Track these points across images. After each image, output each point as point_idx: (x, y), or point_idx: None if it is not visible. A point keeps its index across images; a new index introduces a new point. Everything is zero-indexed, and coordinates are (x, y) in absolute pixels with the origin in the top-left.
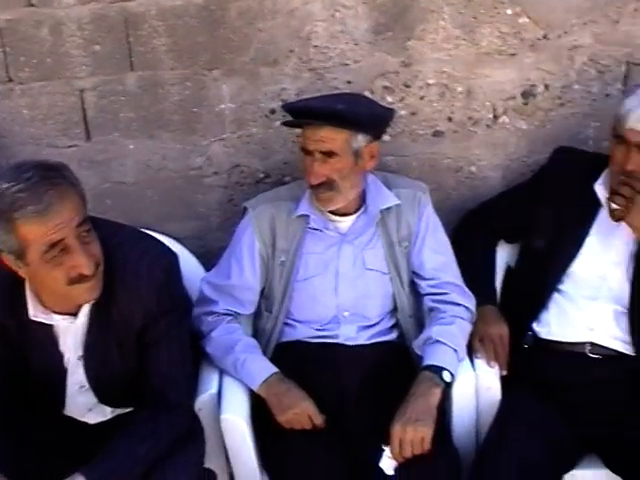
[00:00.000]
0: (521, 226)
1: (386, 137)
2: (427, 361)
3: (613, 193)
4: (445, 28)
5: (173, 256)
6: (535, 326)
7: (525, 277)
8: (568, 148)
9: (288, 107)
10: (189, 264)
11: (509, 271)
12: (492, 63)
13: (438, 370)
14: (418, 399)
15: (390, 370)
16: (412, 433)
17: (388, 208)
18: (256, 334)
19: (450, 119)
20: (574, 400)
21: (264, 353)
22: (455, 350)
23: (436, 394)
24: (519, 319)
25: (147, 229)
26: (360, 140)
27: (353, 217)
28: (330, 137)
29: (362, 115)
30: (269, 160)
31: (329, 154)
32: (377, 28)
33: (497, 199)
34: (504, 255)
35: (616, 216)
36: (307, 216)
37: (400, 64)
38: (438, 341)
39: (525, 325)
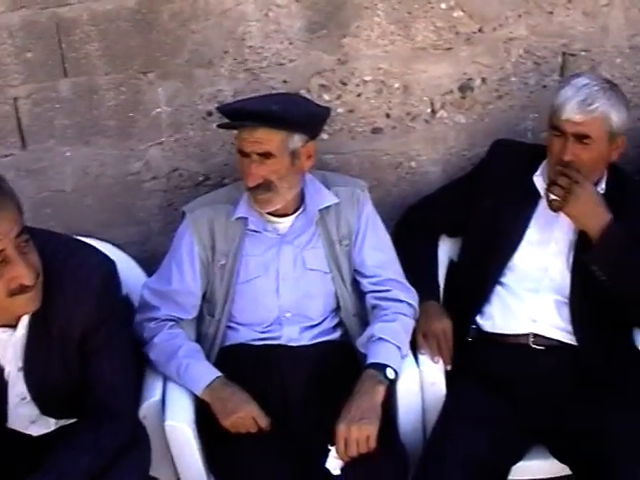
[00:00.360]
0: (462, 220)
1: (325, 135)
2: (370, 359)
3: (551, 184)
4: (380, 24)
5: (111, 263)
6: (479, 319)
7: (467, 271)
8: (506, 140)
9: (223, 109)
10: (131, 270)
11: (452, 265)
12: (428, 58)
13: (382, 368)
14: (362, 397)
15: (335, 369)
16: (357, 432)
17: (327, 207)
18: (199, 338)
19: (388, 115)
20: (519, 392)
21: (208, 357)
22: (398, 347)
23: (380, 392)
24: (463, 313)
25: (88, 236)
26: (297, 140)
27: (292, 218)
28: (266, 138)
29: (298, 115)
30: (208, 162)
31: (266, 155)
32: (311, 26)
33: (437, 194)
34: (446, 249)
35: (554, 207)
36: (246, 218)
37: (336, 62)
38: (381, 339)
39: (469, 319)
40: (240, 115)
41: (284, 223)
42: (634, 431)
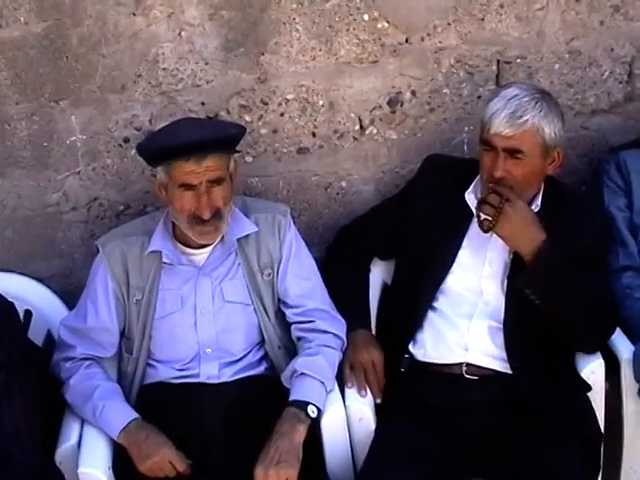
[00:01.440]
0: (394, 241)
1: (248, 158)
2: (292, 396)
3: (482, 202)
4: (300, 39)
5: (8, 305)
6: (411, 348)
7: (400, 296)
8: (438, 156)
9: (165, 148)
10: (53, 306)
11: (386, 290)
12: (353, 72)
13: (303, 405)
14: (281, 439)
15: (259, 406)
16: (275, 476)
17: (247, 236)
18: (120, 377)
19: (314, 134)
20: (452, 424)
21: (128, 397)
22: (322, 382)
23: (300, 432)
24: (397, 341)
25: (10, 271)
26: (232, 161)
27: (209, 249)
28: (216, 164)
29: (240, 135)
30: (128, 191)
31: (217, 181)
32: (227, 45)
33: (368, 215)
34: (380, 273)
35: (485, 227)
36: (160, 252)
37: (255, 81)
38: (303, 374)
39: (402, 347)
40: (191, 147)
41: (201, 254)
42: (570, 459)
